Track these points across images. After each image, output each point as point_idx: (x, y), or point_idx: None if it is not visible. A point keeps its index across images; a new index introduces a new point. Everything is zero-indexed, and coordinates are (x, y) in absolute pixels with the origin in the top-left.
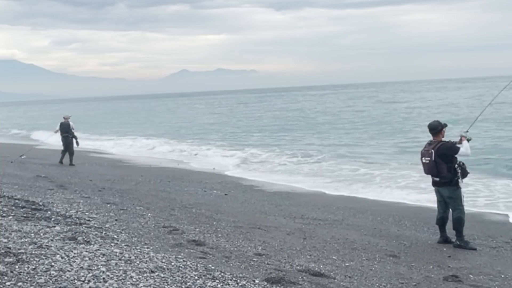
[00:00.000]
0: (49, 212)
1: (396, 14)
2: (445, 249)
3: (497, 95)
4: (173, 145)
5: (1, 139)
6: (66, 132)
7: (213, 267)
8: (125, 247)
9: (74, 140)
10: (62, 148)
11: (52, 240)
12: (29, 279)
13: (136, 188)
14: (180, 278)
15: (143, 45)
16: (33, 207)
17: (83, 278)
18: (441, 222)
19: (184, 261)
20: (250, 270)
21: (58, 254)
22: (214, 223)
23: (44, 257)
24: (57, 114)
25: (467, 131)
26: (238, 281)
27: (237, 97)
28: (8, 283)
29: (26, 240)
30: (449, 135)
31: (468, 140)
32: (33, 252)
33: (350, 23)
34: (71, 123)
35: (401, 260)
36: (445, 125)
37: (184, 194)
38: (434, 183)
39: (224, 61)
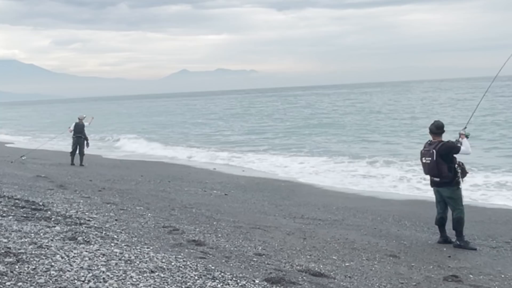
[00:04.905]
0: (49, 212)
1: (397, 14)
2: (445, 249)
3: (485, 92)
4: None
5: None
6: (80, 133)
7: (213, 267)
8: (125, 247)
9: (85, 142)
10: (69, 149)
11: (52, 240)
12: (29, 279)
13: (136, 188)
14: (180, 278)
15: (144, 45)
16: (33, 207)
17: (83, 278)
18: (441, 222)
19: (184, 261)
20: (250, 270)
21: (58, 254)
22: (214, 223)
23: (44, 257)
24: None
25: (465, 128)
26: (238, 281)
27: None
28: (8, 283)
29: (26, 240)
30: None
31: (467, 136)
32: (33, 252)
33: (351, 23)
34: (85, 124)
35: (401, 260)
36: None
37: (184, 194)
38: (434, 183)
39: (224, 61)
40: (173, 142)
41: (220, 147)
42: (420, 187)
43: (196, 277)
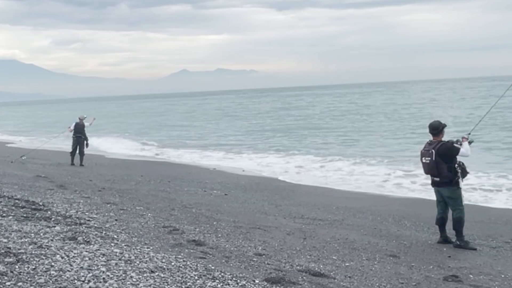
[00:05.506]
0: (49, 212)
1: (397, 14)
2: (445, 249)
3: (499, 98)
4: None
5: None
6: (80, 133)
7: (213, 267)
8: (125, 247)
9: (85, 142)
10: (69, 149)
11: (52, 240)
12: (29, 279)
13: (136, 188)
14: (180, 278)
15: (144, 45)
16: (33, 207)
17: (83, 278)
18: (441, 222)
19: (184, 261)
20: (250, 270)
21: (58, 254)
22: (214, 223)
23: (44, 257)
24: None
25: (469, 133)
26: (238, 281)
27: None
28: (8, 283)
29: (26, 240)
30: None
31: (470, 142)
32: (33, 252)
33: (351, 23)
34: (86, 124)
35: (401, 260)
36: (445, 125)
37: (184, 194)
38: (434, 183)
39: (224, 61)
40: (167, 143)
41: (216, 147)
42: (409, 187)
43: (196, 277)
